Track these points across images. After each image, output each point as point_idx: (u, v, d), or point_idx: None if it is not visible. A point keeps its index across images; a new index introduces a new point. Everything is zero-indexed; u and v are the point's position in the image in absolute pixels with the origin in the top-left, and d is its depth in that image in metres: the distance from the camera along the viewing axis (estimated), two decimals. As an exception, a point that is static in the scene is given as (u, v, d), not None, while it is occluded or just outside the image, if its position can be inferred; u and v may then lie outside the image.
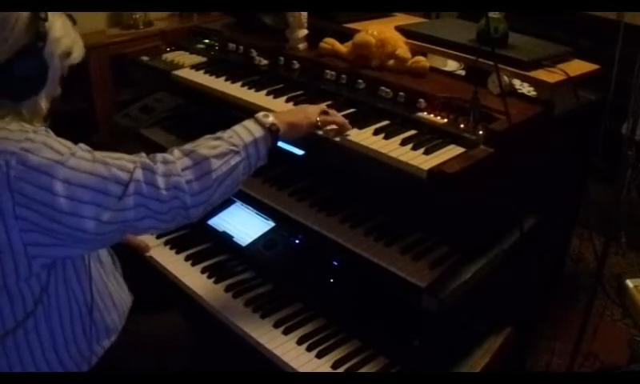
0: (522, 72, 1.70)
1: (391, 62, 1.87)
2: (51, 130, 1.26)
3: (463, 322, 1.62)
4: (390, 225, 1.69)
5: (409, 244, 1.62)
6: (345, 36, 2.01)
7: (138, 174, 1.23)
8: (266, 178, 1.90)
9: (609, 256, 2.09)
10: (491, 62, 1.56)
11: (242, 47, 2.17)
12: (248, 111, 1.73)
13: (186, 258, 1.92)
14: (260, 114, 1.45)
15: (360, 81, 1.83)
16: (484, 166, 1.45)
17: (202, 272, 1.86)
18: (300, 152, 1.93)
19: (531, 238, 1.65)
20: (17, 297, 1.25)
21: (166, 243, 1.98)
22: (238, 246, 1.93)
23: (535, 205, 1.69)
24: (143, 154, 1.30)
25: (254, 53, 2.10)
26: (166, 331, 1.67)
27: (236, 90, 1.93)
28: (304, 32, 2.04)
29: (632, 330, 2.28)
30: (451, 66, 2.07)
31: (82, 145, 1.25)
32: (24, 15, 1.20)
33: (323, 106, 1.66)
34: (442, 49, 1.89)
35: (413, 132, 1.61)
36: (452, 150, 1.51)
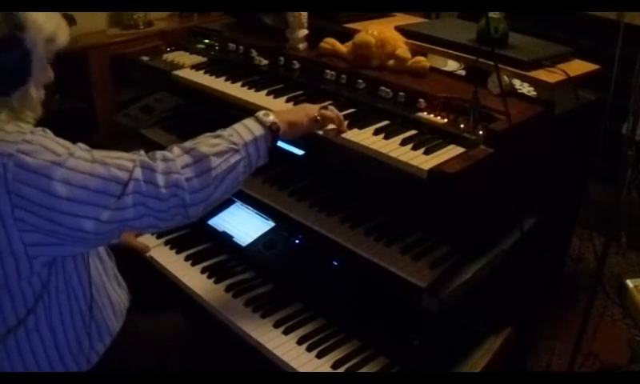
0: (522, 72, 1.70)
1: (391, 62, 1.87)
2: (51, 129, 1.26)
3: (463, 322, 1.62)
4: (390, 225, 1.69)
5: (409, 244, 1.62)
6: (345, 36, 2.01)
7: (137, 172, 1.23)
8: (266, 178, 1.91)
9: (609, 256, 2.10)
10: (491, 62, 1.56)
11: (242, 47, 2.17)
12: (248, 111, 1.72)
13: (186, 258, 1.92)
14: (260, 113, 1.45)
15: (360, 81, 1.83)
16: (484, 166, 1.45)
17: (202, 272, 1.86)
18: (300, 152, 1.93)
19: (531, 237, 1.65)
20: (18, 295, 1.25)
21: (166, 243, 1.98)
22: (238, 245, 1.92)
23: (535, 205, 1.69)
24: (142, 152, 1.29)
25: (254, 53, 2.10)
26: (165, 331, 1.67)
27: (236, 90, 1.93)
28: (304, 32, 2.04)
29: (632, 330, 2.28)
30: (451, 66, 2.07)
31: (80, 144, 1.25)
32: None
33: (323, 105, 1.66)
34: (442, 49, 1.89)
35: (413, 132, 1.61)
36: (452, 150, 1.51)
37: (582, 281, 2.60)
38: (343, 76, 1.87)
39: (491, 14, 1.72)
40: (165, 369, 1.58)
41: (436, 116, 1.63)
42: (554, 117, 1.70)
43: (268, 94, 1.87)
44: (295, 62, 2.00)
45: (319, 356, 1.57)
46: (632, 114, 2.10)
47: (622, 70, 2.36)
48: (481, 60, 1.66)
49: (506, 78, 1.69)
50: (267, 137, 1.42)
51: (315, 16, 2.09)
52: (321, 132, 1.60)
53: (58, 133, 1.25)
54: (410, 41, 1.94)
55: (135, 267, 1.84)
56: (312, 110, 1.56)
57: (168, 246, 1.97)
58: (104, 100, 3.34)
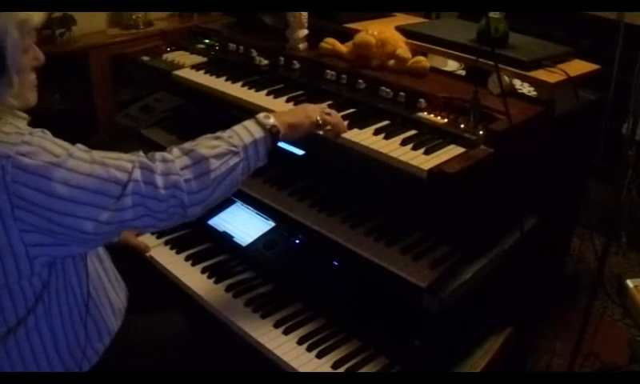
0: (522, 72, 1.70)
1: (391, 62, 1.87)
2: (51, 129, 1.25)
3: (464, 322, 1.62)
4: (390, 225, 1.69)
5: (409, 244, 1.62)
6: (345, 36, 2.01)
7: (137, 173, 1.23)
8: (267, 178, 1.90)
9: (609, 256, 2.10)
10: (491, 62, 1.56)
11: (242, 47, 2.17)
12: (248, 111, 1.73)
13: (187, 258, 1.92)
14: (261, 115, 1.45)
15: (360, 81, 1.82)
16: (484, 166, 1.45)
17: (202, 272, 1.86)
18: (300, 152, 1.94)
19: (531, 238, 1.65)
20: (18, 295, 1.25)
21: (166, 243, 1.98)
22: (238, 245, 1.92)
23: (535, 205, 1.69)
24: (141, 153, 1.30)
25: (254, 53, 2.10)
26: (165, 331, 1.67)
27: (236, 90, 1.93)
28: (304, 32, 2.04)
29: (632, 330, 2.27)
30: (451, 66, 2.07)
31: (79, 145, 1.25)
32: None
33: (324, 105, 1.66)
34: (443, 49, 1.89)
35: (413, 132, 1.61)
36: (452, 150, 1.51)
37: (583, 281, 2.60)
38: (343, 76, 1.87)
39: (491, 14, 1.72)
40: (165, 368, 1.58)
41: (436, 116, 1.63)
42: (555, 117, 1.70)
43: (268, 94, 1.87)
44: (295, 62, 2.00)
45: (319, 356, 1.57)
46: (632, 114, 2.10)
47: (623, 70, 2.36)
48: (481, 60, 1.66)
49: (506, 78, 1.69)
50: (267, 139, 1.42)
51: (315, 16, 2.09)
52: (321, 132, 1.60)
53: (58, 133, 1.25)
54: (410, 41, 1.94)
55: (135, 267, 1.84)
56: (313, 112, 1.56)
57: (168, 246, 1.97)
58: (104, 100, 3.34)
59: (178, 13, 3.72)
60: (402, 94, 1.73)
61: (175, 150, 1.32)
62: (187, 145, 1.34)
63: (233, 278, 1.84)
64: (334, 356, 1.57)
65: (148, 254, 1.92)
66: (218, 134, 1.38)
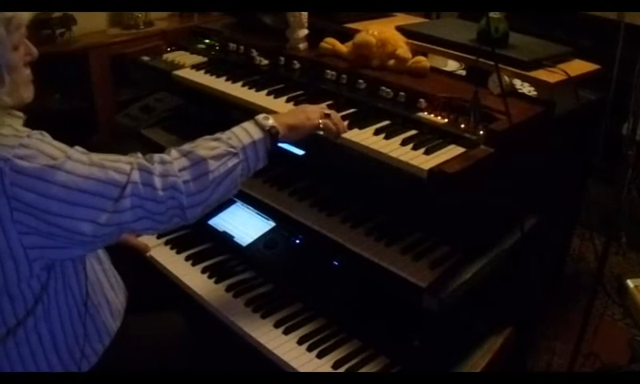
0: (522, 72, 1.70)
1: (392, 61, 1.87)
2: (51, 129, 1.25)
3: (464, 322, 1.62)
4: (390, 225, 1.69)
5: (409, 244, 1.62)
6: (345, 36, 2.01)
7: (135, 175, 1.23)
8: (267, 178, 1.90)
9: (609, 256, 2.10)
10: (492, 62, 1.56)
11: (242, 47, 2.17)
12: (248, 111, 1.74)
13: (187, 258, 1.92)
14: (260, 117, 1.45)
15: (360, 81, 1.82)
16: (484, 166, 1.45)
17: (203, 272, 1.86)
18: (300, 152, 1.94)
19: (532, 237, 1.65)
20: (18, 297, 1.25)
21: (166, 243, 1.98)
22: (238, 245, 1.92)
23: (536, 205, 1.69)
24: (140, 155, 1.30)
25: (254, 53, 2.10)
26: (165, 331, 1.67)
27: (236, 90, 1.93)
28: (304, 32, 2.04)
29: (632, 330, 2.28)
30: (452, 65, 2.07)
31: (77, 147, 1.25)
32: None
33: (324, 106, 1.66)
34: (443, 49, 1.89)
35: (413, 132, 1.61)
36: (452, 150, 1.51)
37: (583, 281, 2.60)
38: (344, 76, 1.87)
39: (491, 14, 1.72)
40: (165, 369, 1.58)
41: (436, 116, 1.63)
42: (555, 117, 1.70)
43: (268, 94, 1.87)
44: (295, 61, 2.00)
45: (320, 356, 1.57)
46: (632, 113, 2.10)
47: (623, 70, 2.36)
48: (481, 60, 1.66)
49: (506, 78, 1.69)
50: (266, 140, 1.41)
51: (315, 16, 2.09)
52: (321, 133, 1.59)
53: (58, 133, 1.25)
54: (410, 41, 1.94)
55: (135, 267, 1.84)
56: (313, 113, 1.55)
57: (168, 246, 1.97)
58: (104, 100, 3.34)
59: (179, 13, 3.72)
60: (402, 93, 1.73)
61: (174, 152, 1.32)
62: (186, 146, 1.34)
63: (233, 277, 1.84)
64: (334, 356, 1.57)
65: (148, 254, 1.92)
66: (217, 135, 1.38)
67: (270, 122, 1.44)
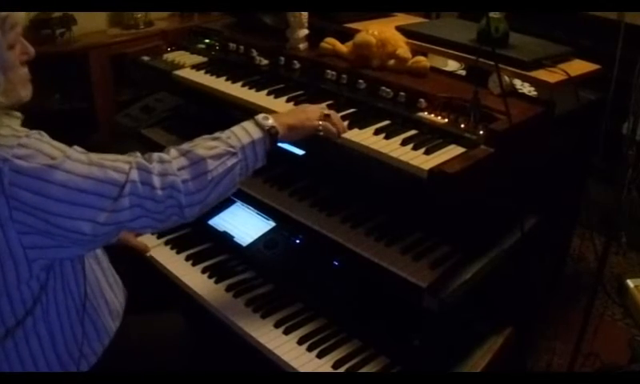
0: (522, 72, 1.70)
1: (392, 61, 1.87)
2: (51, 129, 1.25)
3: (464, 322, 1.62)
4: (390, 225, 1.69)
5: (409, 244, 1.62)
6: (345, 36, 2.01)
7: (134, 174, 1.23)
8: (267, 178, 1.90)
9: (609, 256, 2.09)
10: (492, 62, 1.56)
11: (242, 47, 2.17)
12: (248, 111, 1.73)
13: (187, 258, 1.92)
14: (260, 116, 1.45)
15: (361, 81, 1.82)
16: (484, 165, 1.45)
17: (203, 272, 1.86)
18: (300, 152, 1.94)
19: (532, 237, 1.65)
20: (17, 298, 1.25)
21: (166, 243, 1.98)
22: (238, 245, 1.92)
23: (536, 205, 1.69)
24: (138, 154, 1.30)
25: (254, 53, 2.10)
26: (165, 331, 1.67)
27: (236, 89, 1.93)
28: (304, 32, 2.04)
29: (632, 330, 2.28)
30: (452, 65, 2.07)
31: (76, 147, 1.25)
32: None
33: (324, 106, 1.65)
34: (443, 49, 1.89)
35: (413, 132, 1.61)
36: (452, 150, 1.51)
37: (583, 280, 2.60)
38: (344, 76, 1.87)
39: (492, 14, 1.72)
40: (165, 369, 1.58)
41: (436, 116, 1.63)
42: (555, 117, 1.70)
43: (268, 93, 1.87)
44: (296, 61, 2.00)
45: (320, 356, 1.57)
46: (632, 113, 2.10)
47: (623, 70, 2.36)
48: (481, 60, 1.66)
49: (506, 78, 1.69)
50: (265, 140, 1.41)
51: (316, 16, 2.09)
52: (321, 133, 1.59)
53: (58, 133, 1.25)
54: (410, 41, 1.94)
55: (135, 267, 1.84)
56: (313, 113, 1.55)
57: (168, 246, 1.97)
58: (104, 100, 3.35)
59: (179, 13, 3.72)
60: (402, 93, 1.73)
61: (172, 151, 1.32)
62: (185, 146, 1.34)
63: (233, 277, 1.84)
64: (334, 356, 1.57)
65: (148, 254, 1.92)
66: (216, 134, 1.38)
67: (270, 121, 1.44)
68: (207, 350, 1.71)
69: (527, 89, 1.82)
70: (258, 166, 1.43)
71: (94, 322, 1.42)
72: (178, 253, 1.94)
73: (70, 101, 3.35)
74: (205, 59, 2.19)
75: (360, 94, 1.80)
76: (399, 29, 2.00)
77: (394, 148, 1.52)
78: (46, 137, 1.22)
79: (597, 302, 2.13)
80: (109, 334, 1.48)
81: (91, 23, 3.38)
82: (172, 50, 2.32)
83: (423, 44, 1.94)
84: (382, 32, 1.89)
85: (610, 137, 2.24)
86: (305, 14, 2.01)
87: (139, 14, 3.47)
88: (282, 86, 1.91)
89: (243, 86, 1.94)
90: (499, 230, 1.64)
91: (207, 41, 2.34)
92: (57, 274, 1.30)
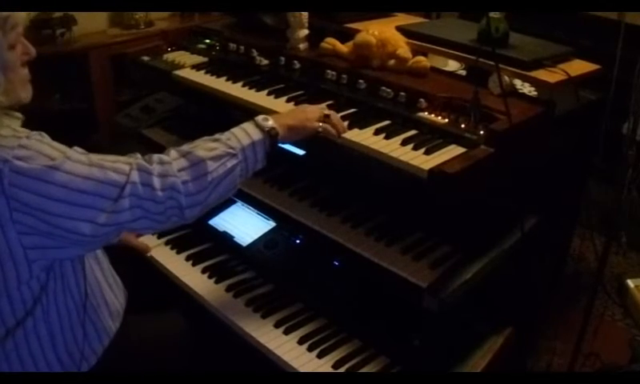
0: (522, 72, 1.70)
1: (392, 61, 1.87)
2: (51, 129, 1.25)
3: (464, 322, 1.62)
4: (390, 225, 1.69)
5: (409, 244, 1.62)
6: (345, 36, 2.01)
7: (134, 175, 1.23)
8: (267, 178, 1.90)
9: (609, 256, 2.09)
10: (492, 62, 1.56)
11: (242, 47, 2.17)
12: (249, 111, 1.74)
13: (187, 258, 1.92)
14: (260, 117, 1.45)
15: (361, 81, 1.82)
16: (485, 165, 1.45)
17: (203, 272, 1.86)
18: (301, 152, 1.94)
19: (532, 238, 1.65)
20: (17, 298, 1.25)
21: (166, 243, 1.98)
22: (238, 245, 1.93)
23: (536, 205, 1.69)
24: (139, 155, 1.30)
25: (254, 53, 2.10)
26: (165, 331, 1.67)
27: (237, 90, 1.93)
28: (305, 32, 2.04)
29: (633, 330, 2.28)
30: (452, 66, 2.07)
31: (76, 148, 1.25)
32: None
33: (324, 106, 1.65)
34: (443, 49, 1.89)
35: (413, 132, 1.61)
36: (453, 150, 1.51)
37: (583, 281, 2.60)
38: (344, 76, 1.87)
39: (492, 14, 1.72)
40: (165, 369, 1.58)
41: (437, 116, 1.63)
42: (555, 117, 1.70)
43: (269, 94, 1.87)
44: (296, 61, 2.00)
45: (320, 356, 1.57)
46: (632, 113, 2.09)
47: (623, 70, 2.36)
48: (481, 60, 1.66)
49: (506, 78, 1.69)
50: (265, 141, 1.41)
51: (316, 16, 2.09)
52: (321, 132, 1.59)
53: (58, 133, 1.25)
54: (410, 41, 1.94)
55: (135, 267, 1.84)
56: (313, 114, 1.55)
57: (168, 246, 1.97)
58: (104, 100, 3.35)
59: (179, 13, 3.72)
60: (402, 93, 1.73)
61: (173, 152, 1.32)
62: (185, 147, 1.34)
63: (233, 277, 1.84)
64: (334, 356, 1.57)
65: (148, 254, 1.92)
66: (216, 136, 1.38)
67: (270, 123, 1.44)
68: (207, 349, 1.71)
69: (527, 89, 1.82)
70: (258, 167, 1.43)
71: (94, 323, 1.42)
72: (178, 253, 1.94)
73: (70, 101, 3.35)
74: (205, 59, 2.19)
75: (360, 94, 1.80)
76: (399, 29, 2.00)
77: (394, 148, 1.52)
78: (46, 138, 1.22)
79: (597, 302, 2.13)
80: (109, 335, 1.48)
81: (91, 23, 3.38)
82: (172, 50, 2.32)
83: (423, 44, 1.94)
84: (383, 32, 1.89)
85: (610, 137, 2.24)
86: (305, 14, 2.01)
87: (139, 14, 3.47)
88: (282, 86, 1.91)
89: (243, 86, 1.94)
90: (499, 229, 1.64)
91: (207, 41, 2.34)
92: (57, 275, 1.29)
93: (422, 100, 1.68)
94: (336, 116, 1.59)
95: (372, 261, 1.57)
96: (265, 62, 2.06)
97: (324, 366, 1.54)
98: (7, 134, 1.17)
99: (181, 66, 2.15)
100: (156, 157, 1.29)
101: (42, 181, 1.15)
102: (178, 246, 1.97)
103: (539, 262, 1.85)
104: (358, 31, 1.95)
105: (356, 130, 1.61)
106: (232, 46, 2.20)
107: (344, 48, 1.95)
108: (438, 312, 1.44)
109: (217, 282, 1.82)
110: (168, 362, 1.62)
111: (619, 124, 2.50)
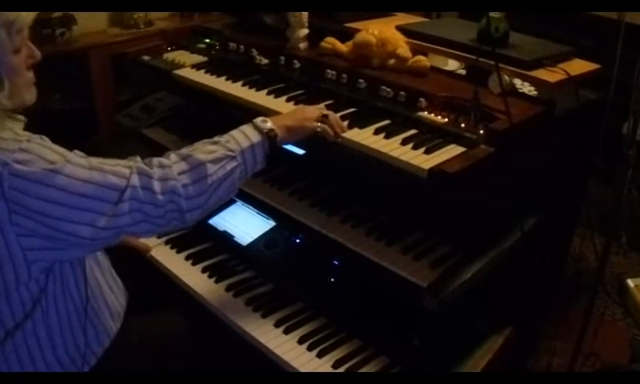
0: (522, 71, 1.70)
1: (392, 61, 1.87)
2: (52, 129, 1.25)
3: (464, 322, 1.62)
4: (390, 224, 1.69)
5: (410, 244, 1.62)
6: (345, 35, 2.01)
7: (134, 179, 1.23)
8: (267, 178, 1.90)
9: (610, 256, 2.09)
10: (492, 62, 1.56)
11: (242, 47, 2.17)
12: (249, 111, 1.74)
13: (187, 258, 1.92)
14: (258, 119, 1.44)
15: (361, 80, 1.82)
16: (485, 165, 1.45)
17: (203, 271, 1.86)
18: (300, 151, 1.94)
19: (532, 237, 1.65)
20: (16, 300, 1.25)
21: (166, 243, 1.98)
22: (238, 245, 1.92)
23: (536, 204, 1.69)
24: (139, 159, 1.30)
25: (254, 52, 2.10)
26: (166, 331, 1.67)
27: (237, 89, 1.93)
28: (305, 31, 2.04)
29: (633, 330, 2.28)
30: (452, 65, 2.07)
31: (77, 151, 1.25)
32: None
33: (322, 106, 1.65)
34: (443, 48, 1.89)
35: (413, 131, 1.61)
36: (453, 150, 1.51)
37: (583, 280, 2.60)
38: (344, 75, 1.87)
39: (492, 14, 1.72)
40: (165, 368, 1.58)
41: (437, 115, 1.63)
42: (555, 116, 1.70)
43: (269, 93, 1.87)
44: (296, 61, 2.00)
45: (320, 355, 1.57)
46: (633, 113, 2.09)
47: (623, 70, 2.35)
48: (481, 59, 1.66)
49: (506, 78, 1.69)
50: (264, 143, 1.41)
51: (316, 15, 2.09)
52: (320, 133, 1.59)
53: (59, 133, 1.25)
54: (410, 40, 1.94)
55: (135, 267, 1.84)
56: (312, 114, 1.54)
57: (168, 246, 1.97)
58: (104, 100, 3.35)
59: (179, 12, 3.72)
60: (402, 93, 1.73)
61: (172, 156, 1.32)
62: (184, 150, 1.34)
63: (233, 277, 1.84)
64: (334, 355, 1.57)
65: (149, 254, 1.92)
66: (216, 138, 1.38)
67: (269, 124, 1.44)
68: (207, 349, 1.71)
69: (527, 88, 1.82)
70: (257, 169, 1.43)
71: (95, 325, 1.42)
72: (178, 252, 1.94)
73: (71, 101, 3.35)
74: (205, 59, 2.19)
75: (360, 93, 1.80)
76: (399, 28, 2.00)
77: (394, 147, 1.52)
78: (47, 141, 1.22)
79: (597, 301, 2.13)
80: (110, 336, 1.48)
81: (91, 23, 3.38)
82: (172, 50, 2.32)
83: (423, 43, 1.94)
84: (382, 31, 1.89)
85: (610, 136, 2.24)
86: (305, 14, 2.01)
87: (139, 14, 3.47)
88: (282, 85, 1.91)
89: (243, 85, 1.94)
90: (499, 229, 1.64)
91: (207, 40, 2.34)
92: (56, 277, 1.29)
93: (421, 99, 1.68)
94: (334, 116, 1.59)
95: (372, 260, 1.57)
96: (265, 61, 2.06)
97: (324, 365, 1.54)
98: (8, 137, 1.17)
99: (181, 66, 2.15)
100: (156, 160, 1.29)
101: (41, 184, 1.15)
102: (177, 245, 1.97)
103: (539, 262, 1.85)
104: (357, 31, 1.95)
105: (356, 130, 1.61)
106: (232, 45, 2.20)
107: (344, 47, 1.95)
108: (438, 312, 1.44)
109: (217, 282, 1.82)
110: (168, 361, 1.62)
111: (619, 124, 2.49)
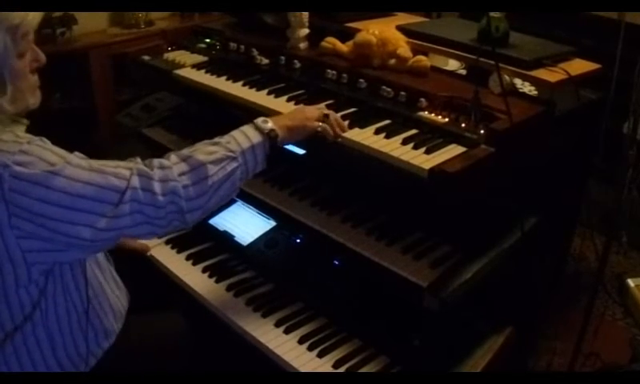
0: (523, 71, 1.70)
1: (392, 61, 1.87)
2: (52, 129, 1.25)
3: (464, 322, 1.62)
4: (391, 224, 1.69)
5: (410, 243, 1.62)
6: (346, 35, 2.01)
7: (135, 181, 1.23)
8: (267, 178, 1.90)
9: (610, 255, 2.09)
10: (492, 62, 1.56)
11: (243, 47, 2.17)
12: (249, 111, 1.74)
13: (187, 258, 1.92)
14: (259, 120, 1.44)
15: (361, 80, 1.82)
16: (485, 165, 1.45)
17: (203, 271, 1.86)
18: (301, 151, 1.94)
19: (532, 237, 1.65)
20: (15, 302, 1.25)
21: (166, 242, 1.98)
22: (239, 245, 1.92)
23: (536, 204, 1.69)
24: (139, 160, 1.30)
25: (255, 52, 2.10)
26: (166, 331, 1.67)
27: (237, 89, 1.92)
28: (305, 31, 2.04)
29: (633, 330, 2.28)
30: (452, 65, 2.07)
31: (77, 153, 1.25)
32: None
33: (323, 106, 1.65)
34: (443, 48, 1.89)
35: (414, 131, 1.61)
36: (453, 150, 1.51)
37: (583, 280, 2.60)
38: (344, 75, 1.87)
39: (492, 14, 1.72)
40: (165, 368, 1.58)
41: (437, 115, 1.63)
42: (555, 116, 1.70)
43: (269, 93, 1.87)
44: (296, 61, 2.00)
45: (320, 355, 1.57)
46: (633, 113, 2.09)
47: (623, 70, 2.35)
48: (482, 59, 1.66)
49: (507, 78, 1.69)
50: (265, 144, 1.41)
51: (316, 15, 2.09)
52: (320, 133, 1.59)
53: (59, 132, 1.25)
54: (411, 40, 1.94)
55: (135, 267, 1.84)
56: (312, 114, 1.55)
57: (169, 246, 1.97)
58: (105, 99, 3.35)
59: (179, 12, 3.72)
60: (402, 93, 1.73)
61: (173, 157, 1.32)
62: (185, 151, 1.34)
63: (233, 277, 1.84)
64: (334, 355, 1.57)
65: (149, 254, 1.92)
66: (216, 139, 1.38)
67: (269, 125, 1.43)
68: (207, 349, 1.71)
69: (528, 88, 1.82)
70: (257, 169, 1.43)
71: (96, 327, 1.42)
72: (178, 252, 1.94)
73: (71, 100, 3.35)
74: (205, 59, 2.19)
75: (360, 93, 1.80)
76: (400, 28, 2.00)
77: (395, 147, 1.52)
78: (48, 144, 1.22)
79: (597, 301, 2.13)
80: (111, 337, 1.48)
81: (91, 23, 3.39)
82: (172, 50, 2.32)
83: (424, 43, 1.93)
84: (383, 31, 1.89)
85: (610, 136, 2.24)
86: (305, 14, 2.01)
87: (139, 14, 3.47)
88: (282, 85, 1.91)
89: (244, 85, 1.94)
90: (499, 229, 1.64)
91: (208, 40, 2.34)
92: (56, 279, 1.29)
93: (422, 99, 1.68)
94: (335, 116, 1.59)
95: (372, 260, 1.57)
96: (265, 61, 2.06)
97: (324, 365, 1.54)
98: (8, 139, 1.17)
99: (181, 66, 2.14)
100: (156, 161, 1.29)
101: (42, 186, 1.15)
102: (178, 245, 1.97)
103: (539, 262, 1.85)
104: (358, 31, 1.95)
105: (356, 130, 1.61)
106: (232, 45, 2.20)
107: (344, 47, 1.95)
108: (438, 311, 1.44)
109: (217, 282, 1.82)
110: (168, 361, 1.62)
111: (619, 124, 2.49)
